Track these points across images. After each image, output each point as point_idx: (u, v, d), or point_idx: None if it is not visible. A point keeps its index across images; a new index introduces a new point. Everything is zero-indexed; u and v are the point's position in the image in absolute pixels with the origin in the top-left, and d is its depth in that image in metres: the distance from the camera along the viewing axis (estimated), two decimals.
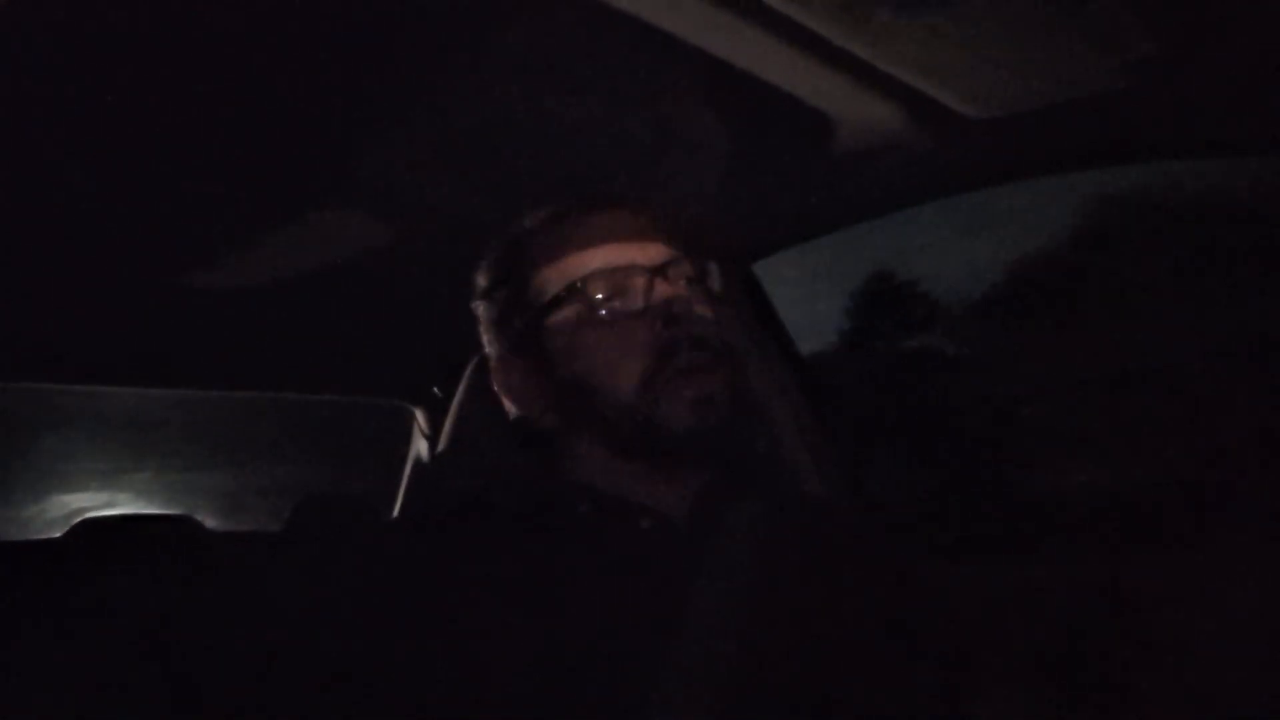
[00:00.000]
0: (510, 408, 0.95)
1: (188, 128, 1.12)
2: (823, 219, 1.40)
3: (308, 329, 1.91)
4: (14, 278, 1.48)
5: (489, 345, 0.97)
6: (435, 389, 2.28)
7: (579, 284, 0.87)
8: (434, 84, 1.08)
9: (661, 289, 0.87)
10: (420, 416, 2.36)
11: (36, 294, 1.56)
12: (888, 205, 1.33)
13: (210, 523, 2.22)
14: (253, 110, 1.10)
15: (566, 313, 0.88)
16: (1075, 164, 1.11)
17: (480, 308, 0.97)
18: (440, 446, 1.13)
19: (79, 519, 2.03)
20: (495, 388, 0.96)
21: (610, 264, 0.88)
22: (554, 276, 0.89)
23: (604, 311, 0.87)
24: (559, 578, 0.81)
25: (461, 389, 1.16)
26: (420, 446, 2.37)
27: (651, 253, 0.89)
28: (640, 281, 0.87)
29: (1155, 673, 0.99)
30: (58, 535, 2.04)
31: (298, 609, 0.80)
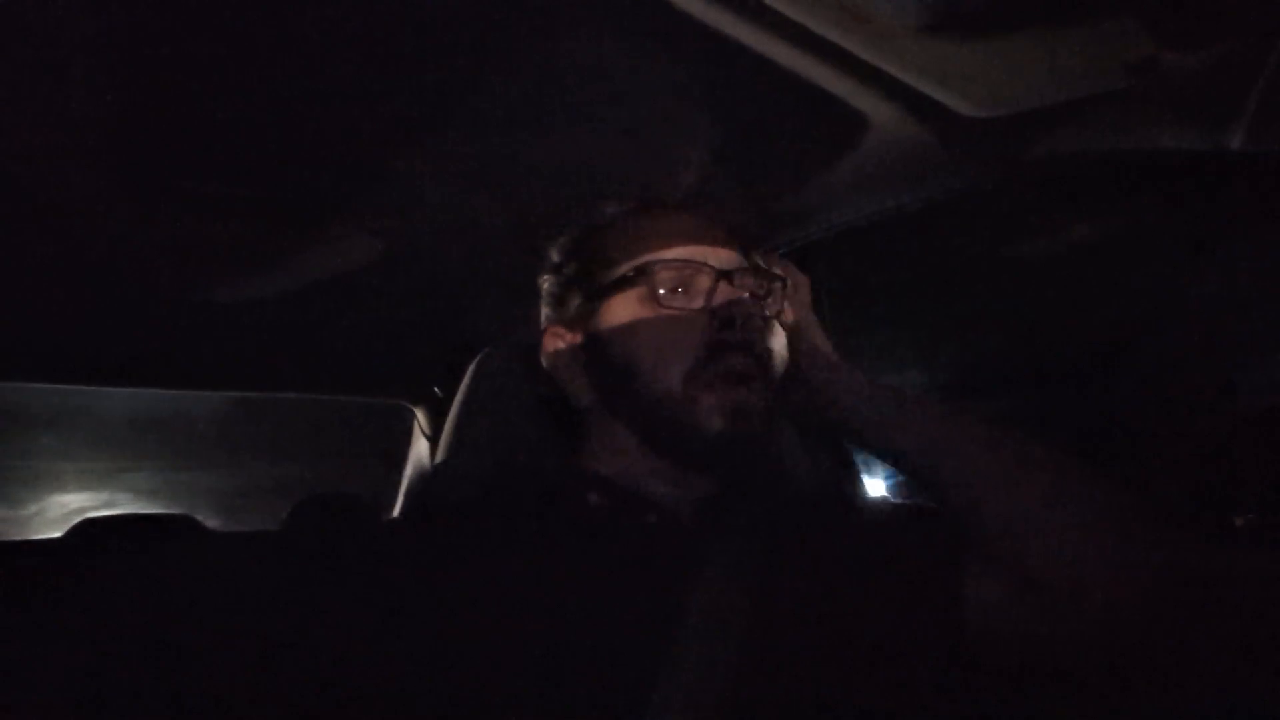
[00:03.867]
0: (549, 379, 0.96)
1: (193, 133, 1.12)
2: (821, 218, 1.40)
3: (308, 329, 1.90)
4: (16, 278, 1.48)
5: (545, 319, 0.98)
6: (436, 389, 2.28)
7: (647, 269, 0.89)
8: (440, 93, 1.08)
9: (725, 292, 0.89)
10: (421, 416, 2.36)
11: (37, 294, 1.56)
12: (886, 204, 1.33)
13: (210, 522, 2.22)
14: (256, 117, 1.10)
15: (629, 295, 0.90)
16: (1075, 164, 1.11)
17: (546, 281, 0.99)
18: (441, 445, 1.13)
19: (79, 518, 2.04)
20: (541, 358, 0.97)
21: (682, 258, 0.89)
22: (624, 259, 0.91)
23: (664, 300, 0.88)
24: (562, 571, 0.81)
25: (463, 387, 1.15)
26: (421, 447, 2.38)
27: (724, 257, 0.91)
28: (706, 281, 0.89)
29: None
30: (58, 535, 2.05)
31: (298, 609, 0.80)
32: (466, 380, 1.15)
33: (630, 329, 0.89)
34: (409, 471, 2.43)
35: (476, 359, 1.16)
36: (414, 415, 2.39)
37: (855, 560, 0.92)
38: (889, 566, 0.93)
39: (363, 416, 2.66)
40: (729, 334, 0.87)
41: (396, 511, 2.41)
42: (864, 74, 1.00)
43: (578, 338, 0.93)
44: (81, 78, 0.98)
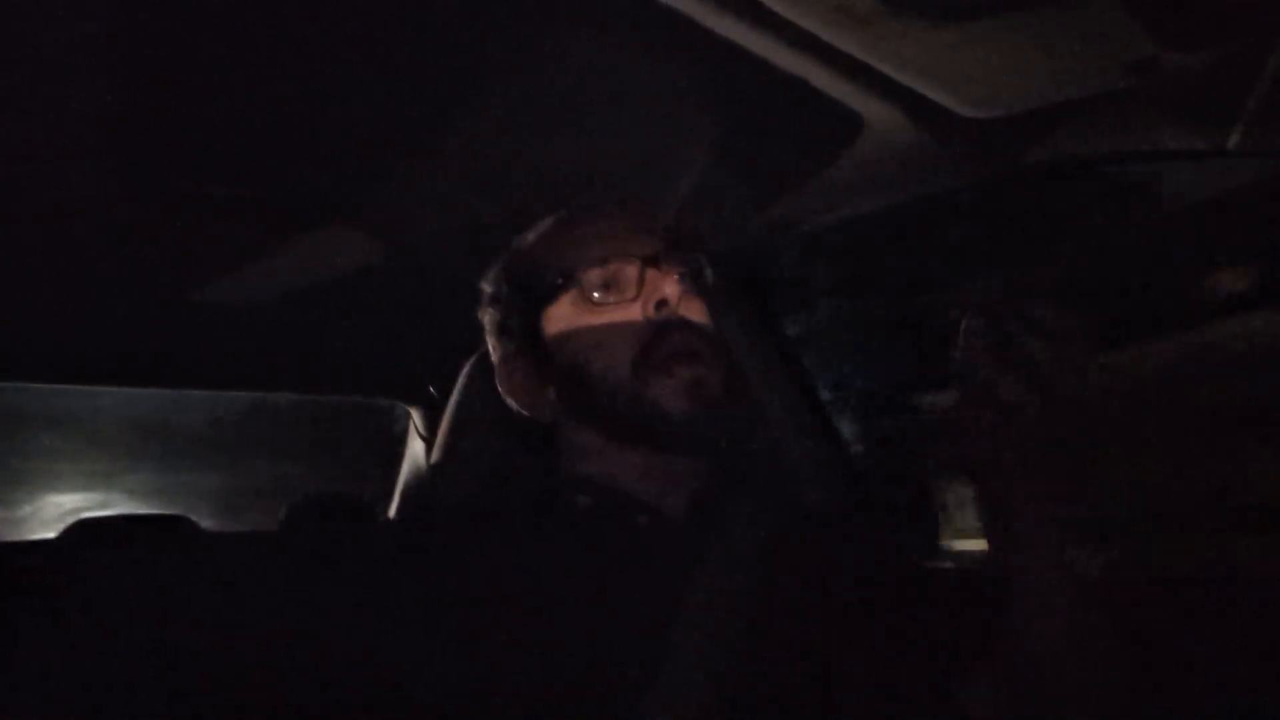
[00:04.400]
0: (515, 409, 0.96)
1: (193, 133, 1.12)
2: (822, 218, 1.40)
3: (305, 329, 1.90)
4: (15, 278, 1.48)
5: (493, 351, 0.98)
6: (431, 388, 2.28)
7: (574, 273, 0.90)
8: (439, 94, 1.08)
9: (654, 278, 0.89)
10: (417, 416, 2.36)
11: (35, 294, 1.56)
12: (887, 207, 1.33)
13: (206, 523, 2.21)
14: (256, 117, 1.10)
15: (563, 303, 0.91)
16: (1075, 164, 1.11)
17: (485, 315, 0.99)
18: (436, 446, 1.13)
19: (74, 519, 2.03)
20: (500, 391, 0.97)
21: (605, 254, 0.90)
22: (551, 271, 0.92)
23: (598, 298, 0.89)
24: (556, 574, 0.81)
25: (458, 388, 1.16)
26: (416, 446, 2.38)
27: (645, 245, 0.91)
28: (633, 271, 0.90)
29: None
30: (53, 535, 2.04)
31: (294, 610, 0.80)
32: (462, 381, 1.15)
33: (572, 335, 0.90)
34: (405, 472, 2.43)
35: (472, 359, 1.16)
36: (410, 416, 2.39)
37: (849, 564, 0.92)
38: (884, 573, 0.94)
39: (359, 417, 2.66)
40: (666, 314, 0.88)
41: (392, 512, 2.41)
42: (864, 75, 1.00)
43: (528, 359, 0.94)
44: (82, 77, 0.98)
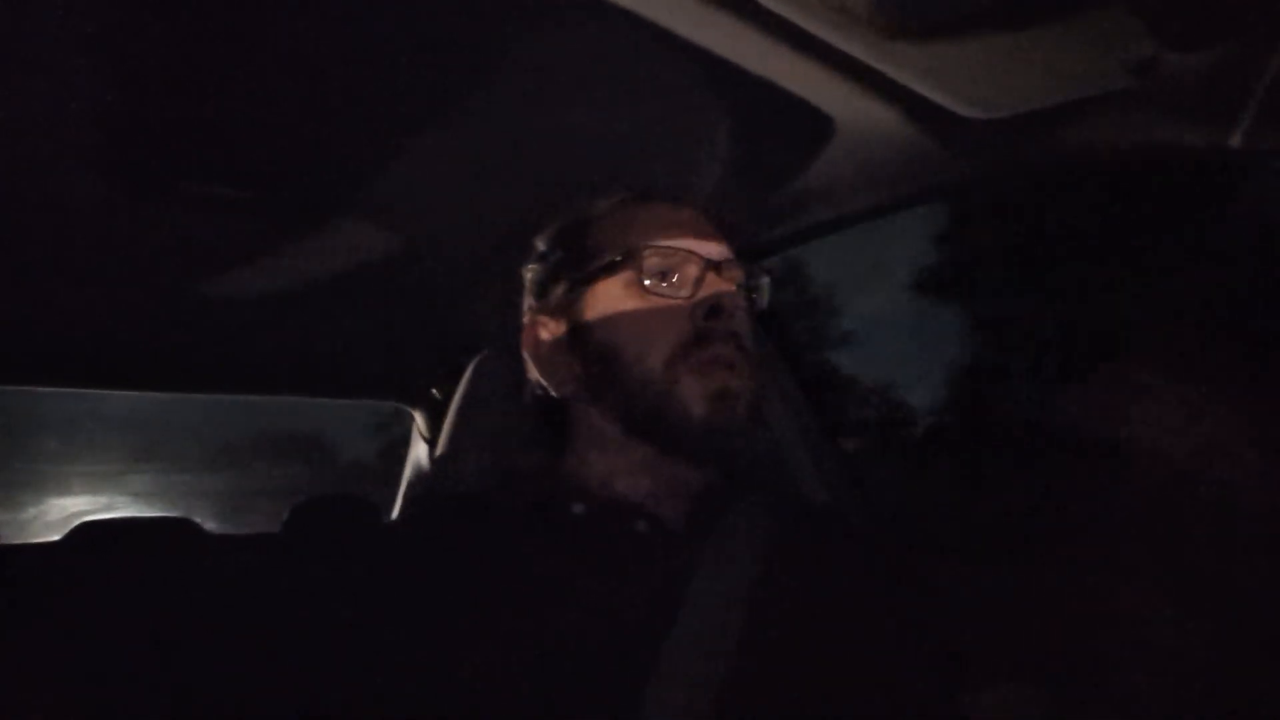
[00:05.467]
0: (532, 371, 0.96)
1: (192, 133, 1.12)
2: (824, 220, 1.40)
3: (308, 332, 1.91)
4: (18, 281, 1.49)
5: (528, 310, 0.98)
6: (434, 391, 2.28)
7: (635, 254, 0.89)
8: (439, 96, 1.08)
9: (713, 282, 0.89)
10: (419, 419, 2.37)
11: (38, 297, 1.57)
12: (888, 206, 1.33)
13: (209, 525, 2.22)
14: (256, 118, 1.10)
15: (615, 281, 0.90)
16: (1075, 164, 1.11)
17: (531, 270, 0.99)
18: (439, 449, 1.13)
19: (78, 522, 2.04)
20: (522, 349, 0.96)
21: (670, 245, 0.89)
22: (612, 246, 0.91)
23: (652, 287, 0.88)
24: (554, 580, 0.81)
25: (460, 391, 1.16)
26: (419, 449, 2.38)
27: (711, 248, 0.91)
28: (694, 270, 0.89)
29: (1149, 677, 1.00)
30: (57, 538, 2.04)
31: (297, 612, 0.80)
32: (464, 383, 1.16)
33: (615, 315, 0.89)
34: (408, 473, 2.43)
35: (474, 361, 1.16)
36: (412, 418, 2.39)
37: (849, 564, 0.92)
38: (884, 573, 0.94)
39: (362, 419, 2.67)
40: (715, 323, 0.87)
41: (395, 513, 2.41)
42: (866, 77, 1.00)
43: (561, 326, 0.93)
44: (81, 78, 0.98)
